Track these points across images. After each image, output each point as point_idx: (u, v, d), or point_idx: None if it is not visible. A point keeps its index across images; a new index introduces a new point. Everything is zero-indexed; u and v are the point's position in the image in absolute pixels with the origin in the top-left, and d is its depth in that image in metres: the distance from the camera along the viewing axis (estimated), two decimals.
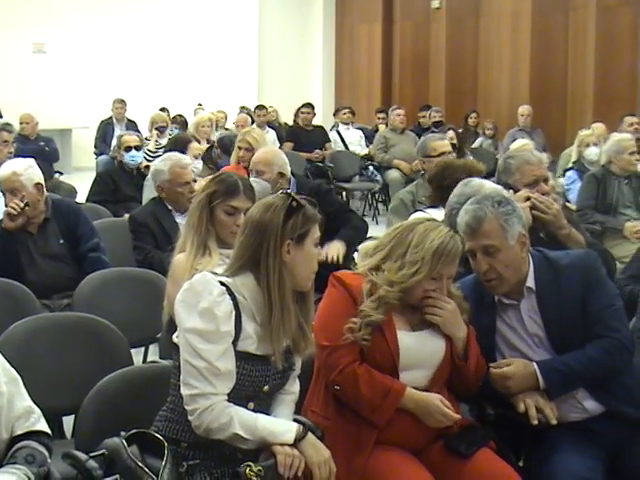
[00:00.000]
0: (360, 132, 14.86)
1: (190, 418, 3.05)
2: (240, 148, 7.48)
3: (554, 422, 3.54)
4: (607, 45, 14.92)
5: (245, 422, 3.05)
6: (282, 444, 3.07)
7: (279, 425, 3.13)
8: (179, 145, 8.08)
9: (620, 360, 3.65)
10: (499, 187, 4.05)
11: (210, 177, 4.63)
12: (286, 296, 3.14)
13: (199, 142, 8.89)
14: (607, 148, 8.18)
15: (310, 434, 3.15)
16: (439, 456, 3.44)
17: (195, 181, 6.29)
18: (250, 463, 2.98)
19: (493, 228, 3.64)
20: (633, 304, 4.28)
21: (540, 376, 3.57)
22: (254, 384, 3.14)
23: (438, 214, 4.64)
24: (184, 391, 3.06)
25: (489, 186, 4.04)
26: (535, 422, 3.54)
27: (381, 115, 15.33)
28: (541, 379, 3.56)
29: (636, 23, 14.58)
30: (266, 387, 3.18)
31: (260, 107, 14.41)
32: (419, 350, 3.51)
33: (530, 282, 3.73)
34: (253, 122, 13.41)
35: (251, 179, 5.95)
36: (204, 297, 3.07)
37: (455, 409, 3.58)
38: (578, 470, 3.38)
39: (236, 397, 3.09)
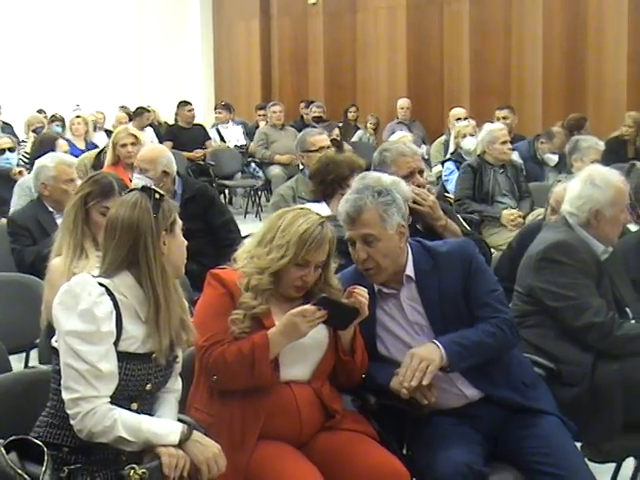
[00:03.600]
0: (241, 128, 14.85)
1: (72, 422, 3.01)
2: (125, 145, 7.37)
3: (433, 400, 3.57)
4: (481, 37, 15.17)
5: (129, 424, 3.02)
6: (167, 445, 3.05)
7: (163, 426, 3.10)
8: (46, 145, 7.91)
9: (511, 335, 3.73)
10: (397, 179, 4.07)
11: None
12: (170, 288, 3.14)
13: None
14: (481, 138, 8.36)
15: (196, 432, 3.14)
16: (322, 449, 3.45)
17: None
18: (134, 465, 2.95)
19: (372, 217, 3.67)
20: None
21: (442, 348, 3.56)
22: (137, 384, 3.12)
23: (321, 209, 4.67)
24: (65, 395, 3.01)
25: (385, 179, 4.06)
26: (425, 402, 3.56)
27: (261, 112, 15.30)
28: (443, 351, 3.55)
29: (509, 15, 14.85)
30: (149, 385, 3.16)
31: (140, 111, 14.19)
32: (300, 343, 3.49)
33: (409, 271, 3.77)
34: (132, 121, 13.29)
35: (135, 176, 5.92)
36: (83, 298, 3.03)
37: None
38: (459, 455, 3.42)
39: (119, 398, 3.06)
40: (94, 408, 2.98)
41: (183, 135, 13.53)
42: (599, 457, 4.02)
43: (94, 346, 3.01)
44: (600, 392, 3.97)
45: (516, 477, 3.63)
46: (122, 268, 3.13)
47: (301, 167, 6.84)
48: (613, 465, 4.40)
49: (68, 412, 3.01)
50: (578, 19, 13.85)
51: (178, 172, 6.34)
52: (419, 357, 3.53)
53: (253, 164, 13.48)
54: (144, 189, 3.20)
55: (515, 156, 9.33)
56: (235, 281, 3.52)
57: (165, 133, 13.94)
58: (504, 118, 10.94)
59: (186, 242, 3.28)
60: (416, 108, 14.71)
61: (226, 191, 13.93)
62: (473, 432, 3.63)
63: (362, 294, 3.55)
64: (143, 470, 2.95)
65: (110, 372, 3.03)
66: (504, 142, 8.20)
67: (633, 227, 5.49)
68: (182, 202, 5.81)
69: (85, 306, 3.03)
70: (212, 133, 14.36)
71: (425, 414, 3.62)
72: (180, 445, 3.06)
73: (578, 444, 3.84)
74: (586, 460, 3.77)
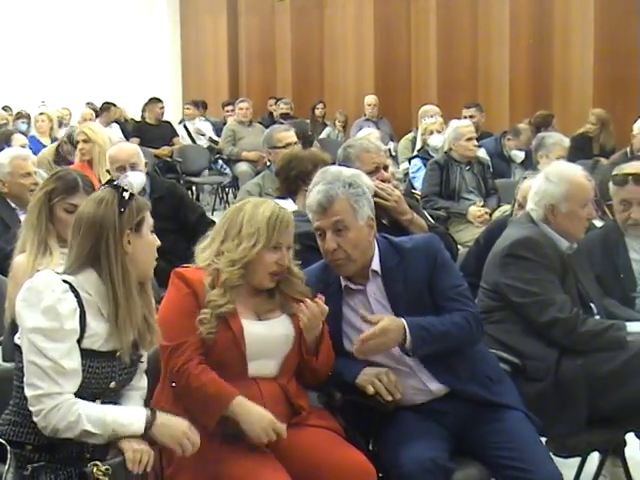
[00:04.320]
0: (209, 125, 14.83)
1: (36, 419, 2.99)
2: (78, 142, 7.37)
3: (398, 396, 3.59)
4: (448, 33, 15.22)
5: (94, 417, 3.01)
6: (131, 437, 3.04)
7: (128, 415, 3.09)
8: (1, 141, 7.88)
9: (477, 330, 3.75)
10: (357, 171, 4.09)
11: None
12: (132, 288, 3.13)
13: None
14: (447, 135, 8.40)
15: (161, 414, 3.13)
16: (288, 445, 3.42)
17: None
18: (97, 462, 2.94)
19: (344, 207, 3.69)
20: None
21: (408, 330, 3.56)
22: (100, 381, 3.11)
23: (287, 205, 4.67)
24: (28, 392, 2.99)
25: (347, 172, 4.08)
26: (390, 398, 3.57)
27: (229, 108, 15.29)
28: (409, 334, 3.56)
29: (476, 11, 14.90)
30: (113, 383, 3.15)
31: (106, 106, 14.15)
32: (267, 339, 3.52)
33: (375, 266, 3.78)
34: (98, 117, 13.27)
35: (132, 173, 5.92)
36: (46, 295, 3.02)
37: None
38: (424, 451, 3.43)
39: (82, 395, 3.04)
40: (58, 404, 2.97)
41: (150, 132, 13.48)
42: (564, 452, 4.04)
43: (57, 343, 2.99)
44: (564, 387, 3.99)
45: (481, 472, 3.65)
46: (87, 265, 3.12)
47: (268, 164, 6.84)
48: (578, 460, 4.44)
49: (31, 409, 2.99)
50: (544, 16, 13.91)
51: (147, 171, 6.34)
52: (386, 331, 3.54)
53: (220, 161, 13.45)
54: (115, 187, 3.19)
55: (482, 153, 9.36)
56: (200, 279, 3.52)
57: (132, 130, 13.88)
58: (471, 117, 10.98)
59: (158, 242, 3.27)
60: (383, 105, 14.72)
61: (193, 188, 13.89)
62: (438, 428, 3.64)
63: (305, 311, 3.53)
64: (106, 466, 2.94)
65: (73, 369, 3.01)
66: (469, 139, 8.24)
67: (598, 223, 5.53)
68: (151, 201, 5.80)
69: (49, 303, 3.01)
70: (179, 130, 14.32)
71: (391, 410, 3.63)
72: (147, 431, 3.06)
73: (543, 439, 3.86)
74: (551, 455, 3.79)
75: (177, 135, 13.91)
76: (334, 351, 3.70)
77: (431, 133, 9.57)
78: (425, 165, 8.86)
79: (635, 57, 13.02)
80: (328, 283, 3.80)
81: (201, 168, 13.52)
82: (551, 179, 4.35)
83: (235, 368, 3.47)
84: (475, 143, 8.38)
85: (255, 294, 3.60)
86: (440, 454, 3.48)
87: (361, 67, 16.57)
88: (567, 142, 7.77)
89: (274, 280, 3.58)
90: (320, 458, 3.41)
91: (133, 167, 6.01)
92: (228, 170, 13.23)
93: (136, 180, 5.90)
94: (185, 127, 14.55)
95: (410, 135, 11.50)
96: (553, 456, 3.81)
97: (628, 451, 4.47)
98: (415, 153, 9.94)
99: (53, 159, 8.80)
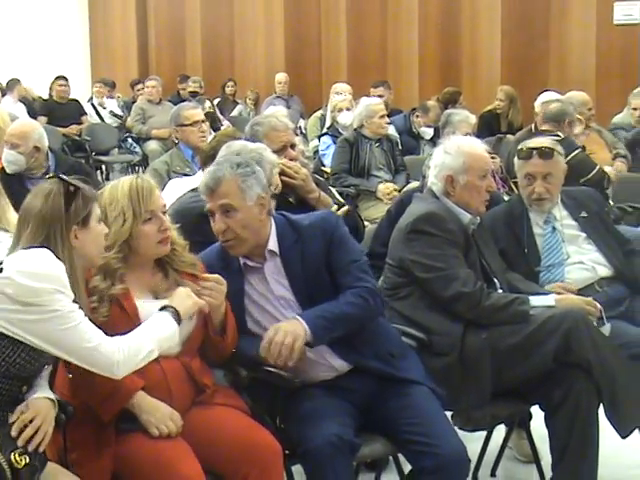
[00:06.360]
0: (114, 103, 14.71)
1: (117, 365, 3.05)
2: None
3: (290, 363, 3.57)
4: (358, 12, 15.26)
5: (137, 343, 3.12)
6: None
7: (158, 323, 3.24)
8: None
9: (375, 304, 3.75)
10: (262, 145, 4.07)
11: None
12: (80, 282, 3.12)
13: None
14: (358, 112, 8.44)
15: (168, 300, 3.34)
16: (194, 424, 3.41)
17: None
18: None
19: (231, 189, 3.67)
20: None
21: (304, 323, 3.57)
22: (37, 367, 3.08)
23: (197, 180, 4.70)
24: (95, 355, 3.01)
25: (251, 145, 4.06)
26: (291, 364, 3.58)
27: (139, 87, 15.16)
28: (306, 326, 3.57)
29: None
30: (45, 369, 3.15)
31: (12, 83, 13.94)
32: None
33: (272, 245, 3.77)
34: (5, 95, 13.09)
35: (5, 152, 5.84)
36: (53, 264, 2.97)
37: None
38: (330, 427, 3.44)
39: (11, 377, 2.99)
40: (117, 347, 3.05)
41: (58, 110, 13.33)
42: (470, 425, 4.07)
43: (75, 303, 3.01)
44: (469, 361, 4.02)
45: (387, 447, 3.69)
46: None
47: (176, 141, 6.81)
48: (485, 433, 4.50)
49: (104, 360, 3.03)
50: None
51: (51, 148, 6.27)
52: (284, 331, 3.54)
53: (130, 139, 13.32)
54: (61, 180, 3.14)
55: (391, 130, 9.43)
56: None
57: (40, 108, 13.69)
58: (380, 96, 11.04)
59: (106, 230, 3.26)
60: (294, 82, 14.74)
61: (103, 167, 13.75)
62: (344, 404, 3.65)
63: (207, 286, 3.53)
64: None
65: None
66: (382, 116, 8.34)
67: (506, 199, 5.59)
68: None
69: (59, 272, 2.97)
70: (88, 108, 14.15)
71: (296, 387, 3.64)
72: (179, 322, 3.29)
73: (449, 413, 3.90)
74: (457, 429, 3.83)
75: (85, 113, 13.76)
76: (238, 328, 3.69)
77: (340, 110, 9.62)
78: (335, 142, 8.89)
79: (542, 34, 13.20)
80: (228, 263, 3.79)
81: (110, 147, 13.42)
82: (448, 151, 4.39)
83: None
84: (387, 120, 8.47)
85: (150, 274, 3.58)
86: (346, 430, 3.49)
87: (271, 45, 16.54)
88: (473, 119, 7.85)
89: (165, 245, 3.53)
90: (226, 436, 3.40)
91: (12, 147, 5.95)
92: (138, 148, 13.12)
93: (6, 158, 5.86)
94: (93, 105, 14.38)
95: (319, 113, 11.53)
96: (459, 430, 3.85)
97: (533, 423, 4.55)
98: (324, 130, 9.97)
99: None
